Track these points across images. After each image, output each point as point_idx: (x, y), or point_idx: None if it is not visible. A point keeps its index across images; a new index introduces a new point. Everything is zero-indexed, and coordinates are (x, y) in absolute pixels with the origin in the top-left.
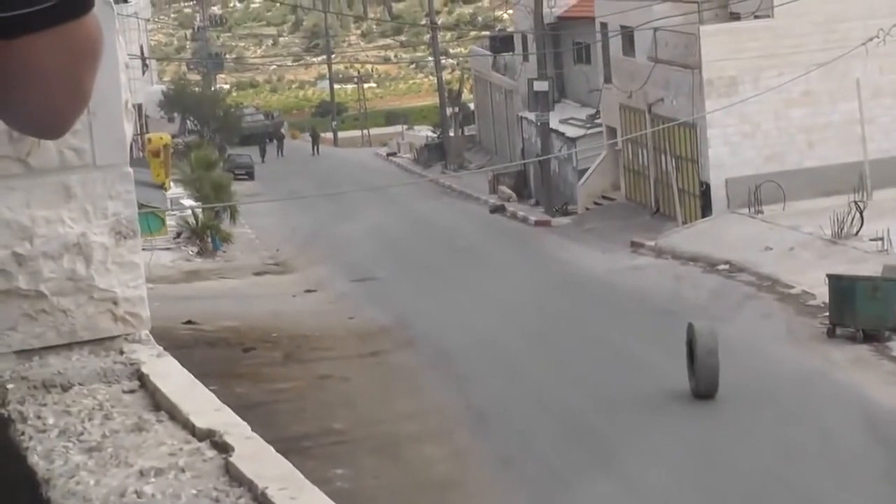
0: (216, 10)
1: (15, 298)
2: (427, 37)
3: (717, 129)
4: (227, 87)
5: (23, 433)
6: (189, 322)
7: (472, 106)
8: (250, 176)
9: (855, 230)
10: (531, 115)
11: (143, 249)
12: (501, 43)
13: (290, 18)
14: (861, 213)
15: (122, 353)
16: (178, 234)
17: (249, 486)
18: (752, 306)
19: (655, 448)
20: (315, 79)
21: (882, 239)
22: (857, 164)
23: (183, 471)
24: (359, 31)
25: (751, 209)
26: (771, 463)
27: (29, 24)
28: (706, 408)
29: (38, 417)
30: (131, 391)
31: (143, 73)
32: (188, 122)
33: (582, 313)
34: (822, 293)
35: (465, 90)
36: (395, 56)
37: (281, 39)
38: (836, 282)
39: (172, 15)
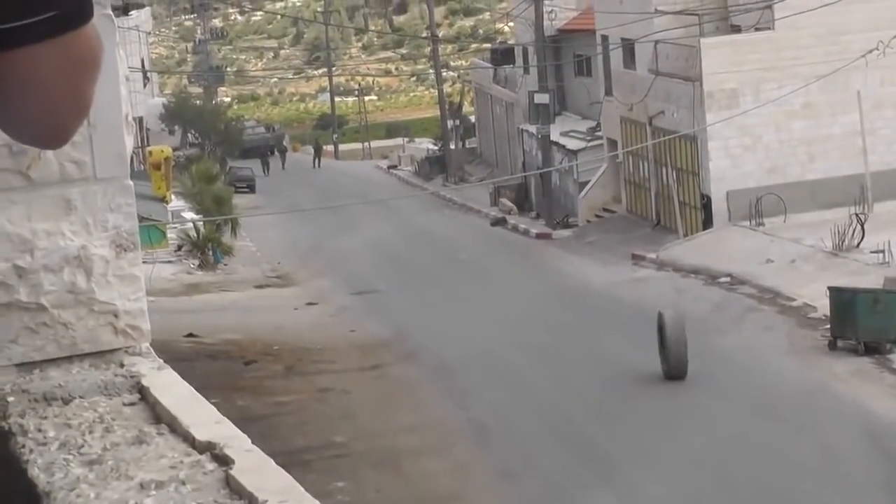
0: (217, 23)
1: (16, 311)
2: (428, 49)
3: (717, 142)
4: (228, 99)
5: (23, 446)
6: (190, 335)
7: (472, 118)
8: (251, 189)
9: (856, 242)
10: (532, 128)
11: (144, 262)
12: (502, 55)
13: (291, 31)
14: (862, 226)
15: (122, 365)
16: (179, 247)
17: (250, 498)
18: (753, 319)
19: (656, 461)
20: (316, 91)
21: (883, 251)
22: (858, 176)
23: (183, 483)
24: (360, 44)
25: (752, 221)
26: (774, 475)
27: (28, 35)
28: (709, 420)
29: (39, 430)
30: (132, 404)
31: (144, 85)
32: (189, 134)
33: (583, 326)
34: (824, 305)
35: (465, 103)
36: (396, 69)
37: (282, 52)
38: (837, 294)
39: (173, 28)
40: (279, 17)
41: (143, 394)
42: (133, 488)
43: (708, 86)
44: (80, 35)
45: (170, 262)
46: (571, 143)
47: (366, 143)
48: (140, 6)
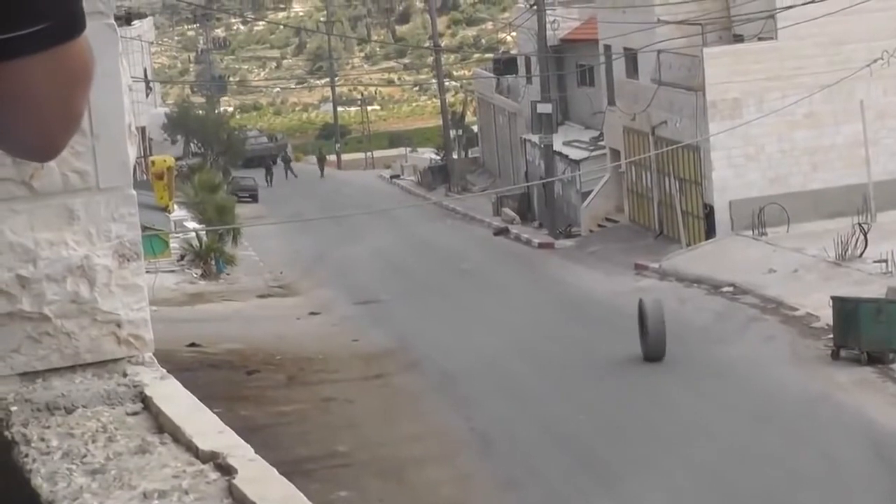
0: (220, 32)
1: (18, 321)
2: (430, 59)
3: (720, 152)
4: (230, 109)
5: (26, 455)
6: (193, 344)
7: (475, 128)
8: (254, 198)
9: (859, 252)
10: (535, 138)
11: (147, 272)
12: (505, 65)
13: (294, 41)
14: (865, 236)
15: (125, 375)
16: (182, 257)
17: None
18: (756, 328)
19: (658, 470)
20: (319, 101)
21: (886, 261)
22: (861, 186)
23: (186, 493)
24: (362, 54)
25: (755, 231)
26: (777, 484)
27: (20, 48)
28: (711, 430)
29: (42, 440)
30: (135, 413)
31: (147, 95)
32: (192, 144)
33: (586, 336)
34: (827, 315)
35: (468, 112)
36: (399, 78)
37: (284, 62)
38: (840, 304)
39: (176, 38)
40: (282, 26)
41: (146, 403)
42: (136, 498)
43: (711, 95)
44: (72, 47)
45: (172, 271)
46: (574, 153)
47: (368, 153)
48: (143, 16)
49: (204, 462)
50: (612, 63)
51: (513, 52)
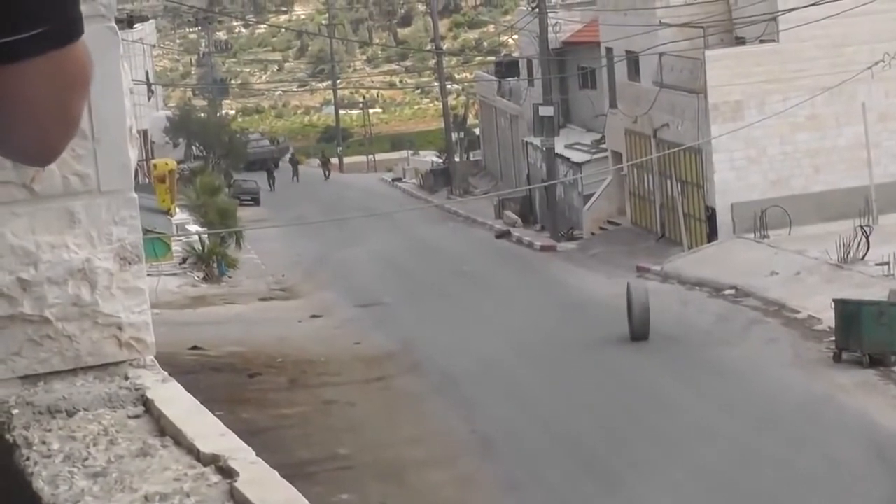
0: (221, 35)
1: (19, 324)
2: (432, 62)
3: (722, 154)
4: (232, 112)
5: (27, 458)
6: (195, 347)
7: (477, 131)
8: (256, 202)
9: (861, 255)
10: (536, 140)
11: (149, 275)
12: (507, 68)
13: (296, 44)
14: (867, 238)
15: (127, 378)
16: (184, 260)
17: None
18: (758, 331)
19: (661, 473)
20: (320, 104)
21: (888, 263)
22: (862, 188)
23: (188, 496)
24: (364, 57)
25: (756, 234)
26: (780, 487)
27: (18, 52)
28: (714, 433)
29: (43, 443)
30: (136, 416)
31: (149, 98)
32: (193, 147)
33: (588, 338)
34: (829, 318)
35: (470, 115)
36: (401, 81)
37: (286, 65)
38: (842, 306)
39: (178, 41)
40: (283, 29)
41: (148, 406)
42: (137, 501)
43: (713, 98)
44: (70, 51)
45: (174, 274)
46: (576, 156)
47: (370, 156)
48: (144, 19)
49: (205, 465)
50: (613, 66)
51: (514, 54)
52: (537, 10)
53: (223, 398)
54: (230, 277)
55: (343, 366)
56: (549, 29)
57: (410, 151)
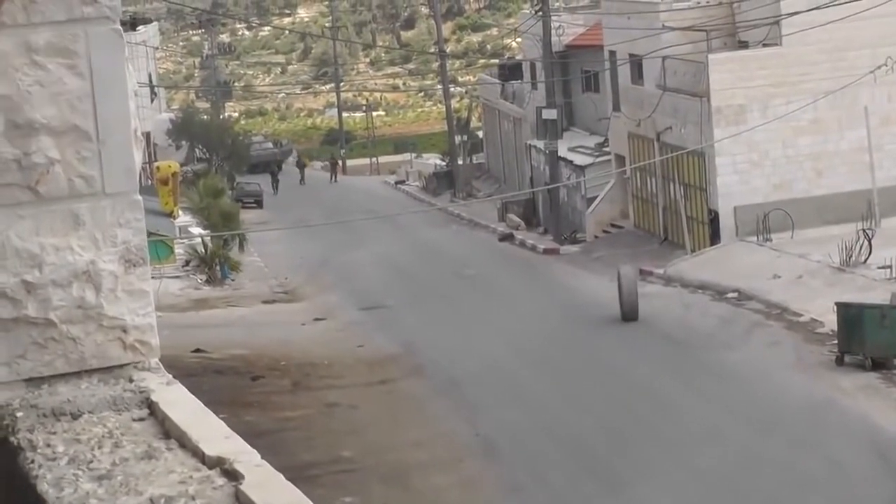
0: (225, 38)
1: (24, 326)
2: (436, 65)
3: (725, 158)
4: (235, 115)
5: (32, 461)
6: (198, 350)
7: (480, 134)
8: (259, 204)
9: (863, 258)
10: (540, 143)
11: (152, 278)
12: (510, 71)
13: (299, 46)
14: (869, 241)
15: (131, 381)
16: (187, 263)
17: None
18: (760, 334)
19: (664, 477)
20: (324, 107)
21: (890, 267)
22: (865, 191)
23: (193, 499)
24: (367, 60)
25: (759, 237)
26: (782, 490)
27: None
28: (716, 436)
29: (48, 445)
30: (141, 419)
31: (152, 101)
32: (196, 150)
33: (591, 341)
34: (831, 321)
35: (473, 118)
36: (404, 84)
37: (289, 67)
38: (844, 310)
39: (181, 43)
40: (287, 32)
41: (153, 409)
42: None
43: (716, 102)
44: None
45: (177, 277)
46: (579, 159)
47: (373, 159)
48: (147, 21)
49: (210, 468)
50: (617, 69)
51: (518, 57)
52: (541, 13)
53: (226, 401)
54: (233, 280)
55: (346, 369)
56: (553, 32)
57: (413, 154)
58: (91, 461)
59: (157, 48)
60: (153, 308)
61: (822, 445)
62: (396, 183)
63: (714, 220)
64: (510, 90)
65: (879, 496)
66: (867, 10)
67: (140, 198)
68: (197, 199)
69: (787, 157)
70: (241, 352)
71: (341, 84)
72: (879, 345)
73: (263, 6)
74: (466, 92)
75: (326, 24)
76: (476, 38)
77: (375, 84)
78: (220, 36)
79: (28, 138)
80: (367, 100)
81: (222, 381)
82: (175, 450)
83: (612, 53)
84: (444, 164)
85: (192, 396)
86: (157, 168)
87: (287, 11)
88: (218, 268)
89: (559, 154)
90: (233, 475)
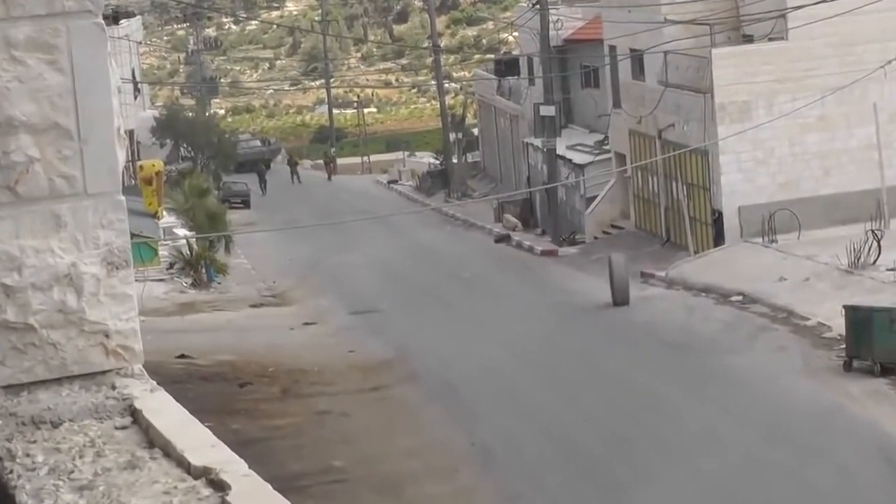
0: (211, 32)
1: (3, 331)
2: (429, 60)
3: (729, 156)
4: (221, 112)
5: (11, 471)
6: (183, 356)
7: (476, 131)
8: (246, 204)
9: (872, 260)
10: (537, 141)
11: (135, 281)
12: (506, 66)
13: (288, 41)
14: (878, 242)
15: (114, 388)
16: (172, 265)
17: None
18: (766, 339)
19: (664, 483)
20: (313, 103)
21: None
22: (874, 191)
23: None
24: (359, 55)
25: (765, 238)
26: (789, 498)
27: None
28: (722, 444)
29: (28, 455)
30: (124, 427)
31: (135, 97)
32: (181, 148)
33: (590, 345)
34: (839, 325)
35: (468, 115)
36: (397, 80)
37: (278, 63)
38: (852, 313)
39: (165, 38)
40: (275, 26)
41: (136, 417)
42: None
43: (719, 98)
44: None
45: (161, 280)
46: (578, 157)
47: (365, 157)
48: (131, 15)
49: (196, 478)
50: (617, 64)
51: (515, 52)
52: (538, 6)
53: (213, 408)
54: (220, 283)
55: (337, 375)
56: (551, 26)
57: (406, 152)
58: (72, 471)
59: (141, 43)
60: (136, 312)
61: (829, 452)
62: (389, 182)
63: (718, 220)
64: (507, 86)
65: (888, 503)
66: (875, 3)
67: (123, 198)
68: (182, 200)
69: (794, 155)
70: (228, 357)
71: (331, 80)
72: (889, 349)
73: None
74: (461, 88)
75: (316, 18)
76: (471, 32)
77: (367, 80)
78: (206, 30)
79: (7, 136)
80: (359, 96)
81: (208, 388)
82: (159, 459)
83: (613, 48)
84: (438, 162)
85: (177, 404)
86: (141, 167)
87: (275, 5)
88: (204, 270)
89: (557, 152)
90: (219, 486)
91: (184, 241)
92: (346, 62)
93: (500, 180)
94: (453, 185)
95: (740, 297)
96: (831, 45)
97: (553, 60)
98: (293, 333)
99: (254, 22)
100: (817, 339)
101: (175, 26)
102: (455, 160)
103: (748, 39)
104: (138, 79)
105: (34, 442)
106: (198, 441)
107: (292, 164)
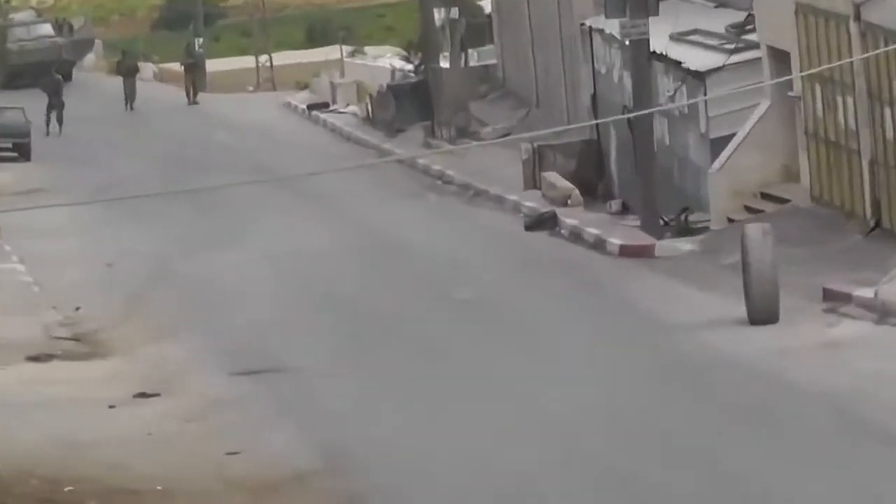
0: None
1: None
2: None
3: None
4: None
5: None
6: None
7: (487, 5)
8: (22, 152)
9: None
10: (610, 26)
11: None
12: None
13: None
14: None
15: None
16: None
17: None
18: None
19: None
20: None
21: None
22: None
23: None
24: None
25: None
26: None
27: None
28: None
29: None
30: None
31: None
32: None
33: (713, 443)
34: None
35: None
36: None
37: None
38: None
39: None
40: None
41: None
42: None
43: None
44: None
45: None
46: (695, 58)
47: (262, 58)
48: None
49: None
50: None
51: None
52: None
53: None
54: None
55: (205, 501)
56: None
57: (347, 48)
58: None
59: None
60: None
61: None
62: (311, 108)
63: None
64: None
65: None
66: None
67: None
68: None
69: None
70: None
71: None
72: None
73: None
74: None
75: None
76: None
77: None
78: None
79: None
80: None
81: None
82: None
83: None
84: (410, 68)
85: None
86: None
87: None
88: None
89: (653, 47)
90: None
91: None
92: None
93: (535, 104)
94: (441, 113)
95: None
96: None
97: None
98: (114, 416)
99: None
100: None
101: None
102: (446, 64)
103: None
104: None
105: None
106: None
107: (126, 72)
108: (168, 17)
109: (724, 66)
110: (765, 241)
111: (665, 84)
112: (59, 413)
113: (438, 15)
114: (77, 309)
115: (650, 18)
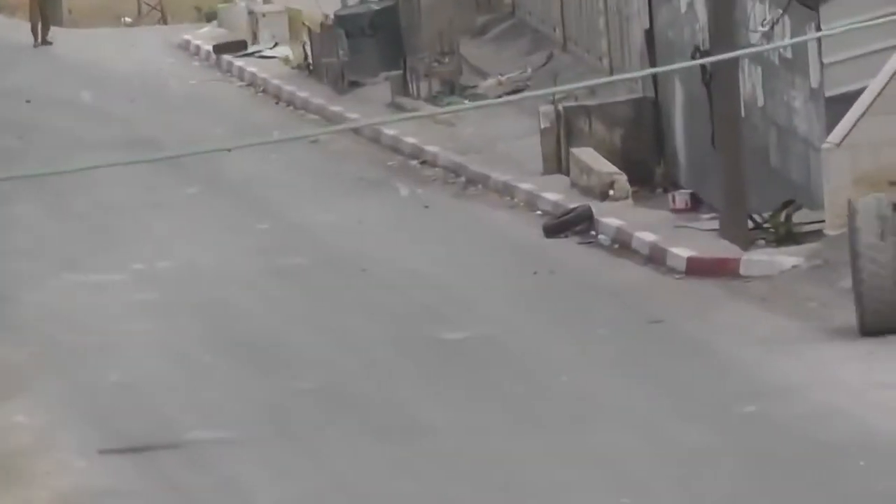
0: None
1: None
2: None
3: None
4: None
5: None
6: None
7: None
8: None
9: None
10: None
11: None
12: None
13: None
14: None
15: None
16: None
17: None
18: None
19: None
20: None
21: None
22: None
23: None
24: None
25: None
26: None
27: None
28: None
29: None
30: None
31: None
32: None
33: None
34: None
35: None
36: None
37: None
38: None
39: None
40: None
41: None
42: None
43: None
44: None
45: None
46: None
47: None
48: None
49: None
50: None
51: None
52: None
53: None
54: None
55: None
56: None
57: None
58: None
59: None
60: None
61: None
62: (219, 51)
63: None
64: None
65: None
66: None
67: None
68: None
69: None
70: None
71: None
72: None
73: None
74: None
75: None
76: None
77: None
78: None
79: None
80: None
81: None
82: None
83: None
84: None
85: None
86: None
87: None
88: None
89: None
90: None
91: None
92: None
93: (559, 43)
94: (418, 59)
95: None
96: None
97: None
98: None
99: None
100: None
101: None
102: None
103: None
104: None
105: None
106: None
107: None
108: None
109: None
110: (883, 223)
111: (758, 15)
112: None
113: None
114: None
115: None
